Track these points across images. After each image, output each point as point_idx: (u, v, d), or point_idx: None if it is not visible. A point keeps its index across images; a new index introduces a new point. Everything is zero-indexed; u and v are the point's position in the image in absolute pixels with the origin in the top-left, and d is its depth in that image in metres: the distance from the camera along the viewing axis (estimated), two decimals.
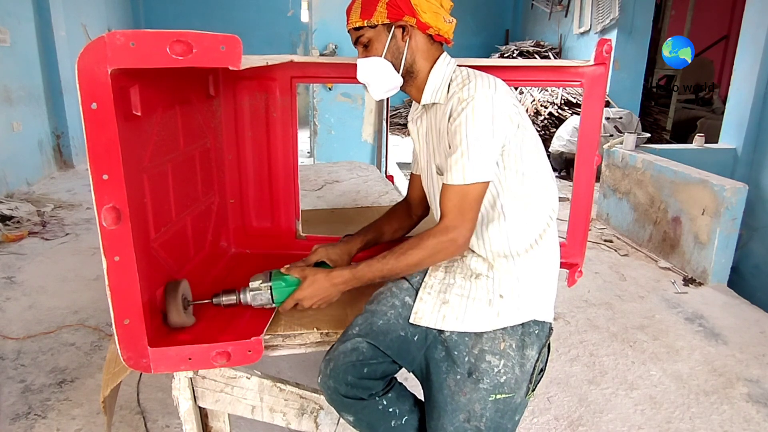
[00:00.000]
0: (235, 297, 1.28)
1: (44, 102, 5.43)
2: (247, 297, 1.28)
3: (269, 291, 1.27)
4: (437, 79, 1.25)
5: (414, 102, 1.37)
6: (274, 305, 1.30)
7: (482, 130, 1.12)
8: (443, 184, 1.18)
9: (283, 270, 1.30)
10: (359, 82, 1.30)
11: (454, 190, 1.15)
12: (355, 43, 1.27)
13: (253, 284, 1.28)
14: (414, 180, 1.53)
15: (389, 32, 1.22)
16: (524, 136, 1.19)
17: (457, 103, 1.15)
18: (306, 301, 1.26)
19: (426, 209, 1.55)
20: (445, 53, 1.29)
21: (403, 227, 1.57)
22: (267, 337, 1.26)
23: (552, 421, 2.06)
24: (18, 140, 4.95)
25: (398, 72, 1.25)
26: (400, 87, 1.29)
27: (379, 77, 1.25)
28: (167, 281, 1.24)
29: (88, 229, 4.03)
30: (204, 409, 1.35)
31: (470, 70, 1.23)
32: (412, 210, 1.57)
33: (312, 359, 1.93)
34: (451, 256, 1.21)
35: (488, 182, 1.16)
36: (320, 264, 1.40)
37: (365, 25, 1.22)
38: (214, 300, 1.29)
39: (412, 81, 1.28)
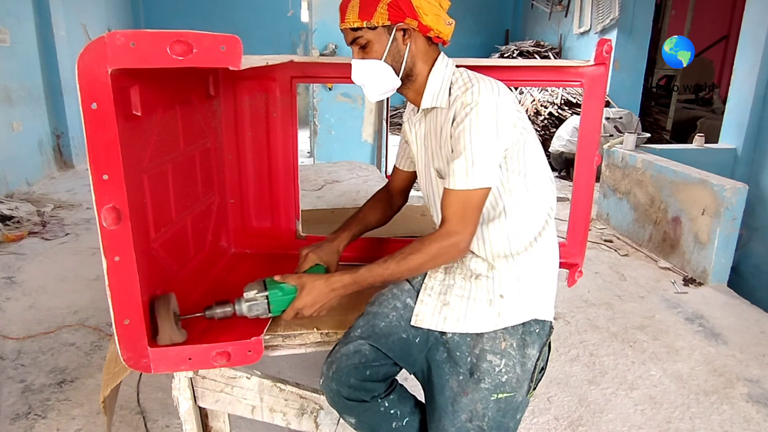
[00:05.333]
0: (230, 308, 1.21)
1: (44, 102, 5.43)
2: (243, 308, 1.21)
3: (266, 301, 1.21)
4: (437, 83, 1.22)
5: (410, 103, 1.34)
6: (270, 315, 1.24)
7: (486, 136, 1.11)
8: (445, 188, 1.17)
9: (277, 278, 1.23)
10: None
11: (456, 194, 1.14)
12: (351, 42, 1.21)
13: (248, 294, 1.22)
14: (396, 173, 1.54)
15: (390, 34, 1.18)
16: (526, 139, 1.18)
17: (461, 108, 1.13)
18: (306, 310, 1.22)
19: (404, 200, 1.58)
20: (442, 54, 1.26)
21: (386, 216, 1.56)
22: (267, 337, 1.26)
23: (552, 421, 2.06)
24: (18, 140, 4.95)
25: (398, 76, 1.22)
26: (397, 89, 1.26)
27: (376, 80, 1.22)
28: (152, 298, 1.15)
29: (88, 229, 4.03)
30: (204, 409, 1.35)
31: (470, 72, 1.21)
32: (393, 200, 1.57)
33: (312, 359, 1.93)
34: (452, 260, 1.21)
35: (490, 188, 1.15)
36: (313, 268, 1.38)
37: (364, 26, 1.17)
38: (207, 313, 1.21)
39: (410, 84, 1.25)
